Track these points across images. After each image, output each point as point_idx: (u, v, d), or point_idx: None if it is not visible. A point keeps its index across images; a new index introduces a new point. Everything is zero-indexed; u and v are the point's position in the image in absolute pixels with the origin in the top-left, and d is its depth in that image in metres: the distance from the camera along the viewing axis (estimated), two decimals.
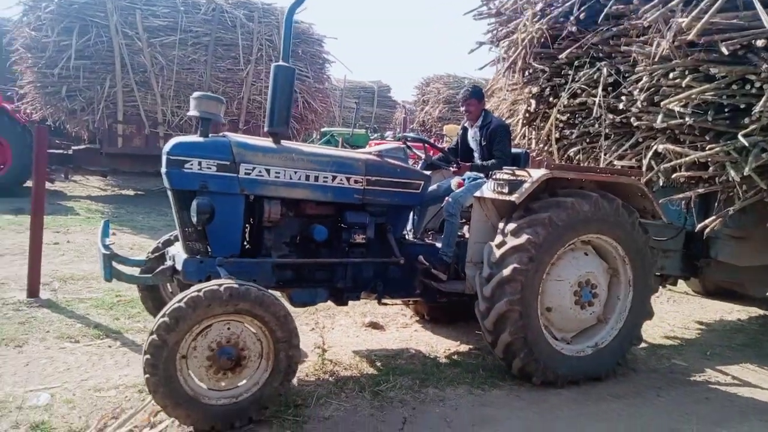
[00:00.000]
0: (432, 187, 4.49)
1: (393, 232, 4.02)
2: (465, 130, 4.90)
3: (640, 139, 4.99)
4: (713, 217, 4.52)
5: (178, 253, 3.57)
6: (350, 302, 4.03)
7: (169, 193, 3.48)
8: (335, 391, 3.63)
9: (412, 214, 4.47)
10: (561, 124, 5.80)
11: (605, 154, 5.25)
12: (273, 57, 10.85)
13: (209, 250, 3.51)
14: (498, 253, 3.79)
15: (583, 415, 3.61)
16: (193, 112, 3.43)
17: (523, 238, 3.73)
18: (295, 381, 3.71)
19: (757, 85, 4.02)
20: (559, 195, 3.95)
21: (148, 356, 2.76)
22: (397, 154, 4.09)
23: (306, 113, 11.68)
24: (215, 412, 2.94)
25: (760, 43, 3.90)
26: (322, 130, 14.75)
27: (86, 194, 11.71)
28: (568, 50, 5.39)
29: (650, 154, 4.78)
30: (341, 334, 4.75)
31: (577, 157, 5.77)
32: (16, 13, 9.96)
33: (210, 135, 3.49)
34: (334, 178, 3.70)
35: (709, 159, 4.34)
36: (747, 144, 4.00)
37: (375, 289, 3.99)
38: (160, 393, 2.80)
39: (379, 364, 4.13)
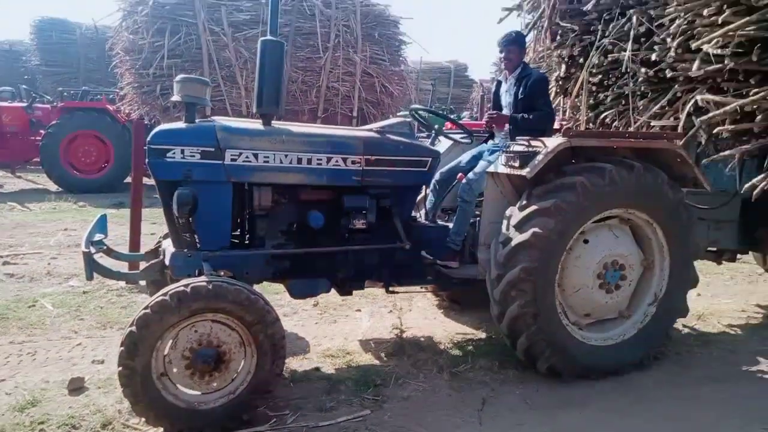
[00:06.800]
0: (451, 164, 4.25)
1: (399, 215, 3.68)
2: (498, 84, 4.49)
3: (679, 94, 4.46)
4: (761, 176, 3.91)
5: (168, 247, 3.42)
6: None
7: (155, 183, 3.30)
8: (413, 372, 3.65)
9: (428, 192, 4.24)
10: (593, 87, 5.35)
11: (638, 115, 4.76)
12: (350, 42, 11.00)
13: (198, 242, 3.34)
14: (519, 215, 3.41)
15: (683, 400, 3.35)
16: (176, 97, 3.15)
17: (550, 201, 3.33)
18: (374, 361, 3.77)
19: None
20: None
21: (124, 386, 2.65)
22: (401, 129, 3.70)
23: (382, 97, 11.65)
24: (218, 413, 2.80)
25: None
26: (398, 114, 14.67)
27: None
28: None
29: (687, 108, 4.23)
30: (419, 316, 4.77)
31: (614, 123, 5.26)
32: (117, 20, 10.80)
33: (197, 120, 3.28)
34: (329, 159, 3.40)
35: (756, 106, 3.79)
36: None
37: (380, 278, 3.78)
38: (152, 416, 2.71)
39: (457, 345, 4.13)
